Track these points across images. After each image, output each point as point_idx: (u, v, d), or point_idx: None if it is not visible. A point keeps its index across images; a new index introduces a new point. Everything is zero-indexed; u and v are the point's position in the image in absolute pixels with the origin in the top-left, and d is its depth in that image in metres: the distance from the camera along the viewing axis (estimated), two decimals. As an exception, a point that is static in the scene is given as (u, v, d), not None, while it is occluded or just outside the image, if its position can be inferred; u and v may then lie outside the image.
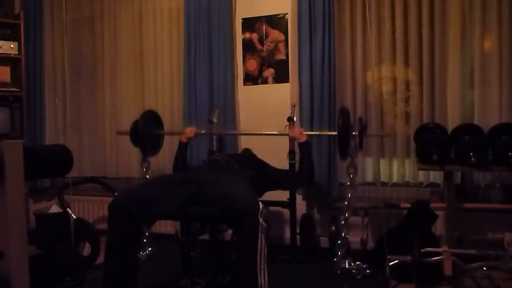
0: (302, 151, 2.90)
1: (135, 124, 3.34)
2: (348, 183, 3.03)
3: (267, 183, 2.77)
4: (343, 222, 3.00)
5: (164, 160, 3.99)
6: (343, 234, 2.99)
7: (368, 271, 2.93)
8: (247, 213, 2.03)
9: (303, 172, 2.87)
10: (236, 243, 2.12)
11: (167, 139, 3.71)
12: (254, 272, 2.02)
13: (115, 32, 4.27)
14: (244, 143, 3.80)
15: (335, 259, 3.01)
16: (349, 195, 3.01)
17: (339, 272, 2.95)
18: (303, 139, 2.92)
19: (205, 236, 2.97)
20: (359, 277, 2.91)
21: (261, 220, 2.03)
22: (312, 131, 3.52)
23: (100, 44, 4.35)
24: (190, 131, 3.16)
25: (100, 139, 4.36)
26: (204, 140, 3.70)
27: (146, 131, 3.29)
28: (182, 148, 3.10)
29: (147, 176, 3.47)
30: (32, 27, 4.33)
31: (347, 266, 2.96)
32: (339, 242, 3.00)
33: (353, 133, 2.93)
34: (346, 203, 3.01)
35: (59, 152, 1.78)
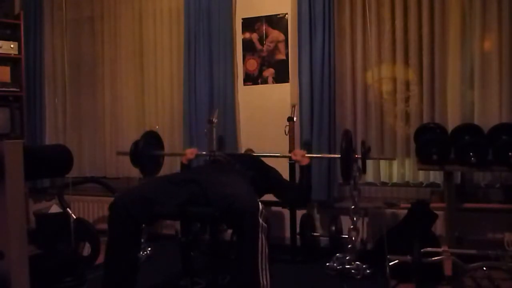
0: (303, 174, 2.88)
1: (135, 144, 3.32)
2: (353, 207, 3.03)
3: (267, 185, 2.77)
4: (349, 246, 3.03)
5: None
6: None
7: (368, 271, 2.94)
8: (247, 213, 2.03)
9: (300, 191, 2.87)
10: (237, 243, 2.12)
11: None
12: (256, 272, 2.01)
13: (115, 32, 4.27)
14: (244, 143, 3.80)
15: (332, 260, 3.03)
16: (354, 219, 3.02)
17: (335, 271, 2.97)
18: (305, 162, 2.89)
19: (205, 236, 2.97)
20: (359, 277, 2.91)
21: (261, 220, 2.03)
22: (312, 132, 3.52)
23: (100, 44, 4.35)
24: (191, 152, 3.17)
25: (100, 139, 4.36)
26: (205, 140, 3.69)
27: (146, 152, 3.27)
28: (184, 169, 3.10)
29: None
30: (32, 27, 4.33)
31: (347, 266, 2.97)
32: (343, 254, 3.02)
33: (356, 156, 2.93)
34: (351, 226, 3.03)
35: (59, 152, 1.78)
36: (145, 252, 3.39)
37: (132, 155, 3.31)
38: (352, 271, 2.94)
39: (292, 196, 2.94)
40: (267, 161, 3.04)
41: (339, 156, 2.89)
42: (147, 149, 3.29)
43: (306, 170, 2.88)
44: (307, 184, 2.86)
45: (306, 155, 2.95)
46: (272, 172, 2.91)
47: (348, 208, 3.11)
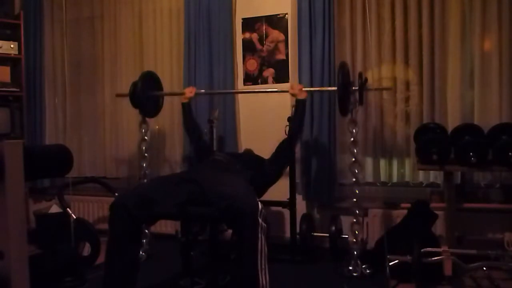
0: (297, 107, 2.91)
1: (134, 85, 3.34)
2: (352, 139, 3.02)
3: (268, 180, 2.76)
4: (353, 180, 3.02)
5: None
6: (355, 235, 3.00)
7: (368, 271, 2.94)
8: (247, 213, 2.03)
9: (293, 126, 2.89)
10: (237, 243, 2.12)
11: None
12: (255, 272, 2.02)
13: (115, 32, 4.27)
14: (245, 143, 3.81)
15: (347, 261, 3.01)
16: (354, 151, 3.02)
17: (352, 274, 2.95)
18: (302, 95, 2.93)
19: (205, 236, 2.98)
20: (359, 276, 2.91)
21: (260, 220, 2.03)
22: (312, 133, 3.52)
23: (100, 44, 4.35)
24: (189, 91, 3.18)
25: (100, 139, 4.36)
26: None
27: (145, 92, 3.30)
28: (186, 108, 3.12)
29: (146, 138, 3.50)
30: (32, 27, 4.33)
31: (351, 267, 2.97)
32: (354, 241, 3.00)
33: (353, 88, 2.93)
34: (353, 159, 3.02)
35: (59, 152, 1.79)
36: (145, 252, 3.39)
37: (131, 96, 3.33)
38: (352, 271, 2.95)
39: (285, 146, 2.89)
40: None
41: (336, 88, 2.93)
42: (146, 90, 3.31)
43: (301, 105, 2.91)
44: (299, 116, 2.89)
45: (304, 89, 3.00)
46: (266, 162, 2.87)
47: (348, 208, 3.11)
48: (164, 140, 4.09)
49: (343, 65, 2.99)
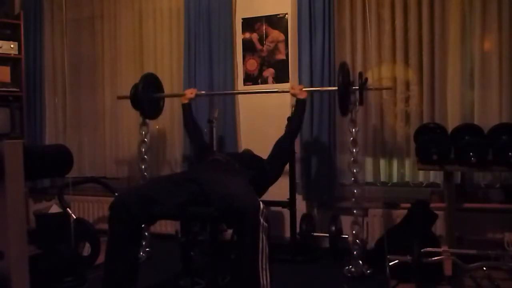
0: (298, 107, 2.95)
1: (135, 87, 3.35)
2: (351, 138, 3.02)
3: (268, 179, 2.75)
4: (352, 179, 3.01)
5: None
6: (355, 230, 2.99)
7: (368, 271, 2.93)
8: (247, 213, 2.02)
9: (292, 124, 2.92)
10: (237, 243, 2.12)
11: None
12: (256, 272, 2.01)
13: (115, 32, 4.27)
14: (245, 143, 3.81)
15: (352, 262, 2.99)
16: (354, 150, 3.01)
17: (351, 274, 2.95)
18: (303, 95, 2.97)
19: (205, 236, 2.97)
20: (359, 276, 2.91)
21: (261, 220, 2.03)
22: (312, 133, 3.52)
23: (100, 44, 4.35)
24: (190, 92, 3.24)
25: (100, 139, 4.36)
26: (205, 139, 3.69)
27: (146, 94, 3.32)
28: (186, 109, 3.17)
29: (146, 140, 3.52)
30: (32, 27, 4.33)
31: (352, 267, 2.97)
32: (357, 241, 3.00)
33: (353, 87, 2.94)
34: (352, 159, 3.02)
35: (59, 152, 1.79)
36: (145, 252, 3.39)
37: (132, 98, 3.35)
38: (352, 270, 2.95)
39: (283, 143, 2.91)
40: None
41: (337, 88, 2.95)
42: (147, 92, 3.33)
43: (301, 104, 2.95)
44: (298, 116, 2.93)
45: (304, 89, 3.03)
46: (265, 162, 2.87)
47: (348, 208, 3.11)
48: (164, 140, 4.09)
49: (343, 65, 3.01)
